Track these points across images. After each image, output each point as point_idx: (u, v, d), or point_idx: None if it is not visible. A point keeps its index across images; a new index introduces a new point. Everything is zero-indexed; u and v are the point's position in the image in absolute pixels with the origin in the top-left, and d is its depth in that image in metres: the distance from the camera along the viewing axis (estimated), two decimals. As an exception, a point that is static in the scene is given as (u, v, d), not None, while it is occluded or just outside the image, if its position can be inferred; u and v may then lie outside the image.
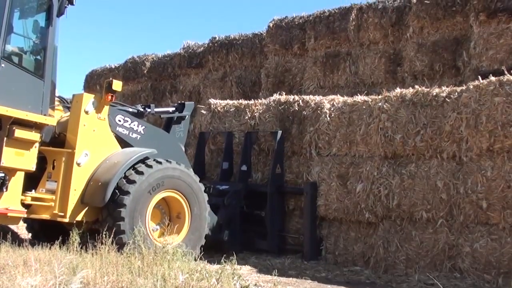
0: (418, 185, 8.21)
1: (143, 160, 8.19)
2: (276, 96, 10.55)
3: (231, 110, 11.03)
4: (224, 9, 43.68)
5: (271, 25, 14.19)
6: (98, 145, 8.12)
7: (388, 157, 8.67)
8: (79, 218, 7.82)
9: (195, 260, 7.07)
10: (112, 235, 7.14)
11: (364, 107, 9.03)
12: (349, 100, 9.37)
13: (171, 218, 8.52)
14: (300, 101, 10.06)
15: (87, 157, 7.96)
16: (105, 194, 7.67)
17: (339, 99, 9.68)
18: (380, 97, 8.86)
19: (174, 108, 9.85)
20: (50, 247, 7.04)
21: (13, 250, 7.02)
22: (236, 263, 6.23)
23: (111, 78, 8.58)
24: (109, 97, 8.17)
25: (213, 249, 9.08)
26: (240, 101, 11.26)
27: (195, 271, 5.98)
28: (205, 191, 9.18)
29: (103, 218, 7.83)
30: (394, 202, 8.35)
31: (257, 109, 10.62)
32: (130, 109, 9.11)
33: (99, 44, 44.29)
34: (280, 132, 9.91)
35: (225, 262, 6.19)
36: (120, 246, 7.12)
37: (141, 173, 7.93)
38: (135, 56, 18.02)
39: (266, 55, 14.24)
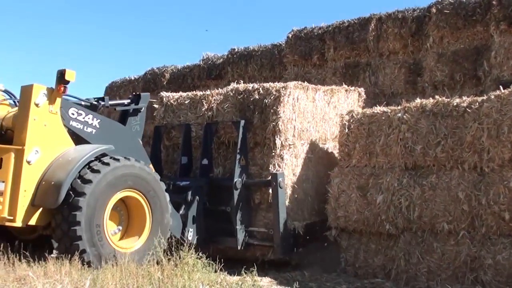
0: (439, 196, 8.03)
1: (99, 158, 7.54)
2: (233, 85, 9.97)
3: (185, 102, 10.27)
4: (243, 20, 43.95)
5: (290, 36, 14.23)
6: (50, 141, 7.41)
7: (408, 168, 8.47)
8: (31, 222, 7.16)
9: (215, 271, 6.98)
10: (67, 242, 6.92)
11: (383, 118, 8.89)
12: (368, 111, 9.24)
13: (131, 220, 7.92)
14: (260, 89, 9.40)
15: (38, 155, 7.27)
16: (58, 195, 6.97)
17: (358, 110, 9.44)
18: (399, 107, 8.78)
19: (129, 100, 9.10)
20: (70, 258, 6.81)
21: (33, 260, 6.91)
22: (256, 274, 6.20)
23: (64, 69, 7.55)
24: (62, 88, 7.47)
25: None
26: (195, 92, 10.63)
27: (215, 282, 6.03)
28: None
29: (57, 223, 7.14)
30: (415, 213, 8.21)
31: (214, 99, 9.95)
32: (83, 102, 8.37)
33: (119, 55, 44.69)
34: (243, 122, 9.21)
35: (245, 273, 6.17)
36: (73, 239, 6.87)
37: (97, 171, 7.23)
38: (155, 67, 18.16)
39: (286, 66, 14.26)
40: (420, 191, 8.25)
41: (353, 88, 10.74)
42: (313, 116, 9.55)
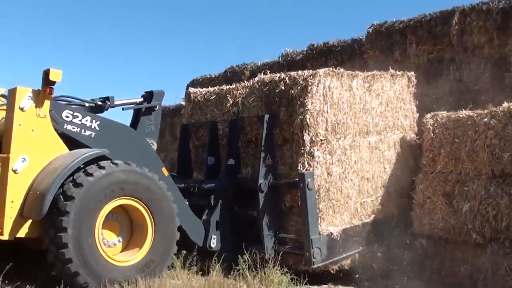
0: (528, 206, 7.70)
1: (97, 161, 6.92)
2: (260, 76, 9.12)
3: (211, 98, 9.51)
4: (321, 14, 43.34)
5: (370, 30, 13.84)
6: (39, 148, 6.81)
7: (496, 175, 8.10)
8: (19, 235, 6.60)
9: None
10: (59, 265, 6.40)
11: (469, 122, 8.52)
12: (453, 115, 8.81)
13: (134, 230, 7.28)
14: (287, 78, 8.45)
15: (25, 163, 6.69)
16: (42, 205, 6.38)
17: (442, 114, 8.95)
18: (486, 111, 8.44)
19: (141, 99, 8.37)
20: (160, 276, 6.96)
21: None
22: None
23: (48, 69, 6.87)
24: (48, 89, 6.82)
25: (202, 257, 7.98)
26: (222, 86, 9.81)
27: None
28: (188, 191, 8.54)
29: (45, 229, 6.57)
30: (503, 223, 7.94)
31: (239, 93, 9.11)
32: (87, 104, 7.73)
33: (200, 53, 45.17)
34: (267, 116, 8.34)
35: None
36: (64, 262, 6.32)
37: (90, 175, 6.63)
38: (234, 65, 18.23)
39: (366, 62, 14.03)
40: (508, 200, 8.05)
41: (400, 72, 9.65)
42: (350, 106, 8.50)
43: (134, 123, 8.26)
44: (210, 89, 9.72)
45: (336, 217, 8.28)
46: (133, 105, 8.29)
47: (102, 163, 6.87)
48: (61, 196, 6.51)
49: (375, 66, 12.84)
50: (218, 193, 8.50)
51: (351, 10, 42.70)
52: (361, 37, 14.39)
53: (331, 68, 8.43)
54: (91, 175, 6.65)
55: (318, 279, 8.30)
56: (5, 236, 6.56)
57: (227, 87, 9.44)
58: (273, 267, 7.38)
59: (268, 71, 14.64)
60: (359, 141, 8.66)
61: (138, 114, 8.29)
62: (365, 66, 13.21)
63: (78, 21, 44.57)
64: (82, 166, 6.84)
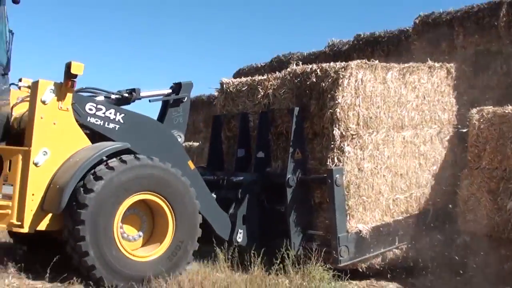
0: None
1: (119, 155, 6.85)
2: (292, 67, 8.80)
3: (243, 89, 9.21)
4: (369, 4, 42.73)
5: (417, 21, 13.48)
6: (61, 141, 6.77)
7: None
8: (40, 227, 6.61)
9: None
10: (76, 257, 6.39)
11: None
12: (499, 110, 8.50)
13: (155, 225, 7.17)
14: (318, 70, 8.13)
15: (47, 156, 6.66)
16: (61, 199, 6.37)
17: (488, 109, 8.63)
18: None
19: (170, 90, 8.23)
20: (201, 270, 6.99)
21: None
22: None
23: (70, 62, 6.83)
24: (70, 82, 6.76)
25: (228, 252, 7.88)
26: (254, 77, 9.41)
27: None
28: (217, 184, 8.41)
29: (64, 222, 6.59)
30: None
31: (270, 85, 8.79)
32: (113, 96, 7.69)
33: (246, 43, 45.20)
34: (297, 109, 8.11)
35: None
36: (81, 255, 6.30)
37: (111, 168, 6.57)
38: (281, 55, 18.00)
39: (413, 53, 13.60)
40: (553, 199, 7.70)
41: (438, 64, 9.23)
42: (384, 100, 8.18)
43: (162, 115, 8.16)
44: (243, 79, 9.45)
45: (366, 214, 8.02)
46: (160, 97, 8.14)
47: (125, 157, 6.79)
48: (81, 189, 6.46)
49: (421, 58, 12.43)
50: (246, 187, 8.33)
51: (398, 0, 42.06)
52: (407, 28, 14.06)
53: (363, 60, 8.12)
54: (112, 168, 6.59)
55: (361, 274, 8.18)
56: (25, 229, 6.57)
57: (259, 78, 9.12)
58: (315, 263, 7.24)
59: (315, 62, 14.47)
60: (393, 136, 8.33)
61: (166, 106, 8.18)
62: (411, 58, 12.80)
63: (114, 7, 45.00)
64: (104, 159, 6.75)
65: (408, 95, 8.53)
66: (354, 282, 7.91)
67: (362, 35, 15.20)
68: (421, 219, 8.71)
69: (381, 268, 8.43)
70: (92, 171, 6.58)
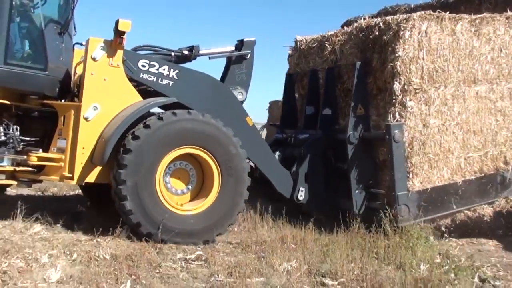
0: None
1: (169, 108, 6.98)
2: (359, 21, 8.40)
3: (314, 46, 8.93)
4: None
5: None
6: (111, 97, 6.90)
7: None
8: (88, 180, 6.81)
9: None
10: (123, 215, 6.49)
11: None
12: None
13: (205, 179, 7.13)
14: (381, 23, 7.76)
15: (97, 111, 6.82)
16: (105, 150, 6.52)
17: None
18: None
19: (233, 48, 8.12)
20: (305, 227, 7.18)
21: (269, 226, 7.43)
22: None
23: (118, 19, 6.89)
24: (118, 39, 6.85)
25: (291, 211, 7.85)
26: (325, 33, 9.01)
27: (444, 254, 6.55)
28: (285, 142, 8.43)
29: (110, 181, 6.77)
30: None
31: (338, 40, 8.44)
32: (173, 53, 7.72)
33: None
34: (358, 64, 7.84)
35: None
36: (120, 198, 6.42)
37: (148, 127, 6.65)
38: (388, 6, 17.22)
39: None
40: None
41: None
42: (453, 52, 7.67)
43: (225, 73, 8.16)
44: (314, 36, 9.17)
45: (433, 173, 7.62)
46: (219, 55, 8.09)
47: (162, 113, 6.89)
48: (129, 136, 6.63)
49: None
50: (309, 144, 8.23)
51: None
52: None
53: (428, 11, 7.63)
54: (148, 127, 6.69)
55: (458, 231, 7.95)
56: (75, 181, 6.86)
57: (329, 33, 8.82)
58: (412, 223, 7.23)
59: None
60: (463, 90, 7.85)
61: (229, 64, 8.17)
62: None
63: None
64: (160, 111, 7.04)
65: (481, 47, 7.98)
66: (453, 239, 7.67)
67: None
68: (497, 179, 8.17)
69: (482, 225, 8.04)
70: (144, 121, 6.74)
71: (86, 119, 6.82)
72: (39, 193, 9.66)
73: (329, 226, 7.36)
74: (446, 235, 7.63)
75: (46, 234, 6.42)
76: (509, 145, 8.27)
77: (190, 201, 7.09)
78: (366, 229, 6.95)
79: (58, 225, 6.78)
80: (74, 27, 7.51)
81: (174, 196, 6.96)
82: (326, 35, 8.86)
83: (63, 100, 7.29)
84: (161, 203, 6.66)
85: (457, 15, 7.91)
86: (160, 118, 6.74)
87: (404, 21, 7.45)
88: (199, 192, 7.15)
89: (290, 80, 9.43)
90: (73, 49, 7.50)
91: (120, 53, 7.00)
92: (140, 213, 6.48)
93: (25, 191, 9.15)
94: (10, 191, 8.91)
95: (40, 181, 7.45)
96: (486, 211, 8.12)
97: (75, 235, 6.51)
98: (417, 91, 7.48)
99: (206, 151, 6.96)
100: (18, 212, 6.67)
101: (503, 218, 8.13)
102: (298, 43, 9.45)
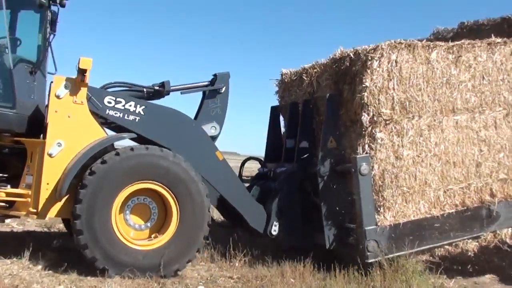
0: None
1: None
2: (335, 52, 8.12)
3: (295, 78, 8.87)
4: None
5: (519, 9, 12.46)
6: (75, 133, 7.02)
7: None
8: (50, 214, 6.93)
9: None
10: (74, 237, 6.62)
11: None
12: None
13: (166, 216, 7.17)
14: (352, 54, 7.60)
15: (61, 147, 6.94)
16: (62, 186, 6.68)
17: None
18: None
19: (207, 82, 8.14)
20: (303, 261, 7.22)
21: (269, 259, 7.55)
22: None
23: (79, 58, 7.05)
24: (80, 77, 6.98)
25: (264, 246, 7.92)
26: (305, 65, 8.86)
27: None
28: (265, 176, 8.45)
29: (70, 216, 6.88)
30: None
31: (315, 72, 8.32)
32: (145, 90, 7.82)
33: (351, 25, 44.21)
34: (328, 95, 7.69)
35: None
36: (80, 247, 6.54)
37: (104, 162, 6.75)
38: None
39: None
40: None
41: (501, 39, 8.31)
42: (428, 81, 7.41)
43: (200, 107, 8.19)
44: (297, 68, 9.07)
45: (408, 207, 7.34)
46: (191, 90, 8.15)
47: (120, 149, 6.98)
48: (87, 172, 6.76)
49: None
50: (283, 178, 8.10)
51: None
52: (510, 16, 13.10)
53: (398, 40, 7.40)
54: (105, 162, 6.79)
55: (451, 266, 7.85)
56: (40, 217, 6.98)
57: (308, 65, 8.69)
58: (408, 257, 7.06)
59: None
60: (441, 120, 7.56)
61: (203, 98, 8.21)
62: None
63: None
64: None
65: (460, 75, 7.69)
66: (443, 276, 7.40)
67: (466, 23, 14.43)
68: (484, 213, 7.80)
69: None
70: (102, 157, 6.83)
71: (50, 155, 6.96)
72: (45, 229, 9.83)
73: (327, 261, 7.23)
74: (441, 268, 7.32)
75: (53, 270, 6.68)
76: (495, 176, 7.85)
77: (148, 237, 7.08)
78: (339, 265, 6.84)
79: (64, 261, 6.88)
80: (55, 65, 7.79)
81: (132, 231, 7.02)
82: (306, 67, 8.70)
83: (41, 137, 7.29)
84: (116, 238, 6.72)
85: (433, 43, 7.63)
86: (117, 154, 6.84)
87: (372, 50, 7.28)
88: (161, 228, 7.16)
89: (274, 113, 9.39)
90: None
91: (84, 90, 7.15)
92: (95, 247, 6.57)
93: (31, 227, 9.53)
94: (17, 228, 9.33)
95: (18, 217, 7.57)
96: (470, 246, 7.79)
97: (81, 271, 6.65)
98: (387, 122, 7.27)
99: (164, 187, 7.01)
100: (26, 248, 6.99)
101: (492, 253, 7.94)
102: (283, 76, 9.34)
